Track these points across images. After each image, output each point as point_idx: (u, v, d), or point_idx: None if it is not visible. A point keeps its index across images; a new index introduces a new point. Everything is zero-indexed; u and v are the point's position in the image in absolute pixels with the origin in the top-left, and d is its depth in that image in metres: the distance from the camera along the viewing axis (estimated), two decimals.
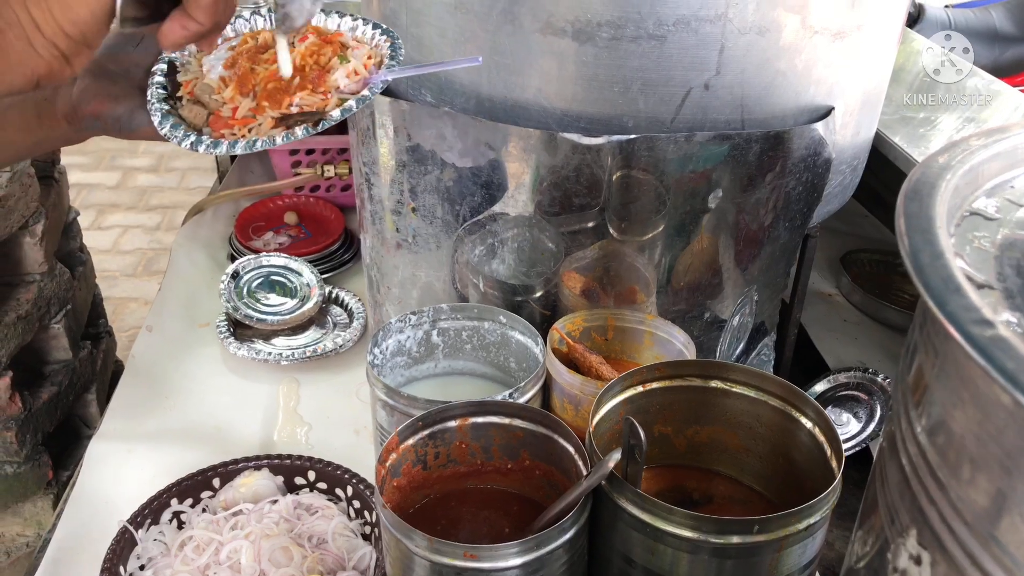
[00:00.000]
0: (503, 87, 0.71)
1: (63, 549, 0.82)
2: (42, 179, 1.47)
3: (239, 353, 1.05)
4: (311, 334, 1.12)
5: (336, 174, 1.34)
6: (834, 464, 0.59)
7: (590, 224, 0.74)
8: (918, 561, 0.39)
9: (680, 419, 0.67)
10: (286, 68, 0.59)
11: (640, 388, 0.66)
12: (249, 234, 1.30)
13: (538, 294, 0.80)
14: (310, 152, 1.37)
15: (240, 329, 1.10)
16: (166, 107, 0.64)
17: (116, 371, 1.73)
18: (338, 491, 0.82)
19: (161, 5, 0.47)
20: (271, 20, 0.69)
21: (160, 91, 0.65)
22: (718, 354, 0.85)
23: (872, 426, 0.90)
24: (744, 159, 0.71)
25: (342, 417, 0.98)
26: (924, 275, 0.35)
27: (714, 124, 0.70)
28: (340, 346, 1.07)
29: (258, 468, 0.83)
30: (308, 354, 1.06)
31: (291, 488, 0.83)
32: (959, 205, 0.42)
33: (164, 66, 0.66)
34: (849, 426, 0.91)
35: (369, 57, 0.63)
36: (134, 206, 3.02)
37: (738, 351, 0.88)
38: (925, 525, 0.38)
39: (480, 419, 0.64)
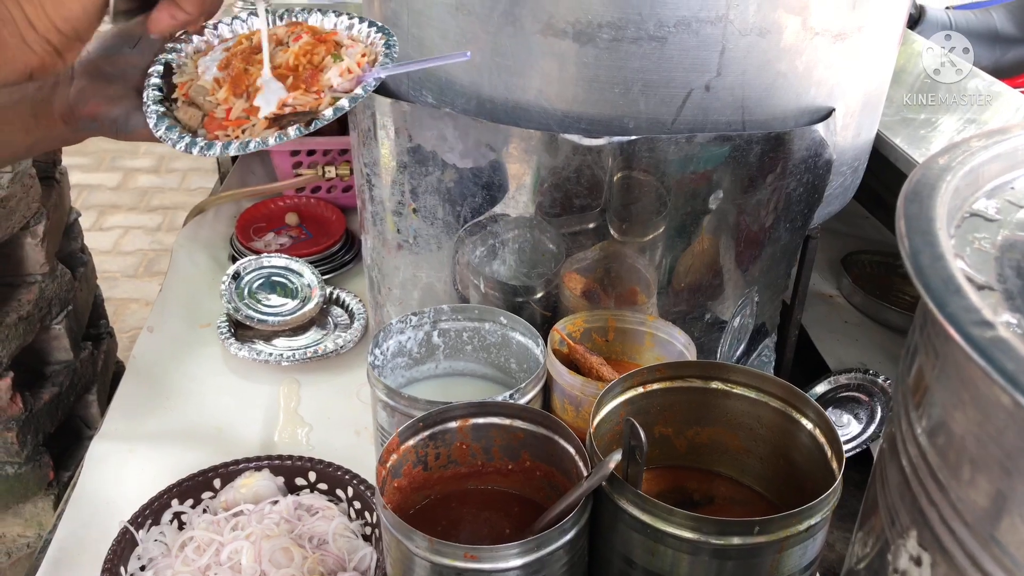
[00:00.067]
0: (504, 88, 0.71)
1: (64, 550, 0.82)
2: (43, 180, 1.47)
3: (240, 354, 1.05)
4: (312, 335, 1.12)
5: (337, 175, 1.34)
6: (835, 465, 0.59)
7: (591, 225, 0.74)
8: (918, 562, 0.39)
9: (681, 420, 0.67)
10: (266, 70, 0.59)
11: (641, 389, 0.66)
12: (250, 235, 1.30)
13: (539, 295, 0.80)
14: (311, 153, 1.37)
15: (241, 330, 1.10)
16: (162, 109, 0.64)
17: (117, 372, 1.73)
18: (339, 492, 0.82)
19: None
20: (268, 20, 0.69)
21: (156, 93, 0.65)
22: (719, 355, 0.85)
23: (873, 427, 0.90)
24: (745, 160, 0.71)
25: (343, 418, 0.98)
26: (924, 276, 0.35)
27: (715, 125, 0.70)
28: (341, 347, 1.07)
29: (259, 469, 0.83)
30: (309, 355, 1.06)
31: (292, 489, 0.84)
32: (959, 206, 0.42)
33: (160, 67, 0.66)
34: (850, 427, 0.91)
35: (363, 55, 0.63)
36: (135, 207, 3.02)
37: (739, 352, 0.88)
38: (925, 526, 0.38)
39: (481, 420, 0.65)
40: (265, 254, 1.18)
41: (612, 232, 0.74)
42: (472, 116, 0.72)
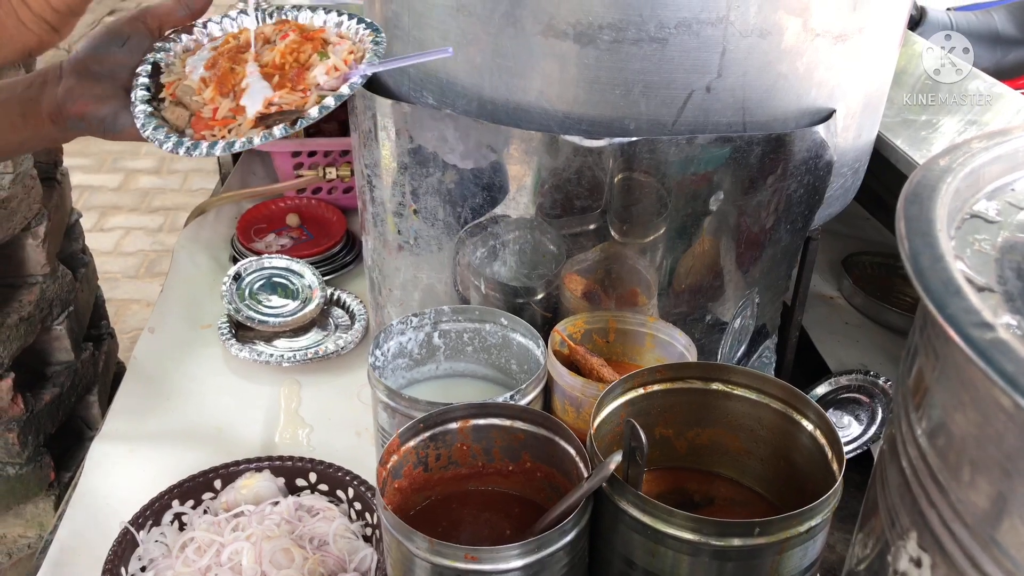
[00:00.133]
0: (505, 89, 0.71)
1: (64, 550, 0.82)
2: (45, 181, 1.48)
3: (241, 355, 1.05)
4: (313, 336, 1.12)
5: (338, 176, 1.35)
6: (835, 467, 0.59)
7: (591, 226, 0.74)
8: (918, 564, 0.39)
9: (681, 421, 0.67)
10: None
11: (641, 390, 0.66)
12: (251, 236, 1.30)
13: (539, 296, 0.80)
14: (312, 154, 1.37)
15: (242, 331, 1.10)
16: (149, 109, 0.64)
17: (118, 373, 1.74)
18: (339, 493, 0.82)
19: None
20: (257, 18, 0.69)
21: (144, 92, 0.65)
22: (719, 356, 0.85)
23: (873, 429, 0.90)
24: (745, 162, 0.71)
25: (343, 419, 0.98)
26: (924, 278, 0.35)
27: (715, 127, 0.70)
28: (342, 348, 1.07)
29: (259, 470, 0.83)
30: (310, 356, 1.06)
31: (292, 490, 0.84)
32: (960, 208, 0.42)
33: (149, 67, 0.66)
34: (850, 428, 0.91)
35: (351, 52, 0.63)
36: (136, 208, 3.02)
37: (739, 353, 0.88)
38: (925, 528, 0.38)
39: (481, 421, 0.65)
40: (266, 255, 1.18)
41: (613, 233, 0.74)
42: (473, 117, 0.72)
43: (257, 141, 0.58)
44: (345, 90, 0.60)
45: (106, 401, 1.60)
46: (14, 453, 1.39)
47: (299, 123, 0.59)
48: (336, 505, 0.81)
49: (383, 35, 0.63)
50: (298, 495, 0.82)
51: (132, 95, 0.64)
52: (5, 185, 1.33)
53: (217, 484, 0.82)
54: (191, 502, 0.81)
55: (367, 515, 0.80)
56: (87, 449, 0.94)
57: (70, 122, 0.66)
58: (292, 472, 0.84)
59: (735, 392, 0.65)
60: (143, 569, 0.76)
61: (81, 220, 1.68)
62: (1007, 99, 0.99)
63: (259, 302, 1.12)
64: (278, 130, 0.59)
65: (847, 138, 0.79)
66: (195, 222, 1.37)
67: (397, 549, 0.56)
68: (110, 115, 0.65)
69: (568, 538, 0.55)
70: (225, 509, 0.80)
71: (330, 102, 0.59)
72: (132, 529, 0.77)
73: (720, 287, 0.80)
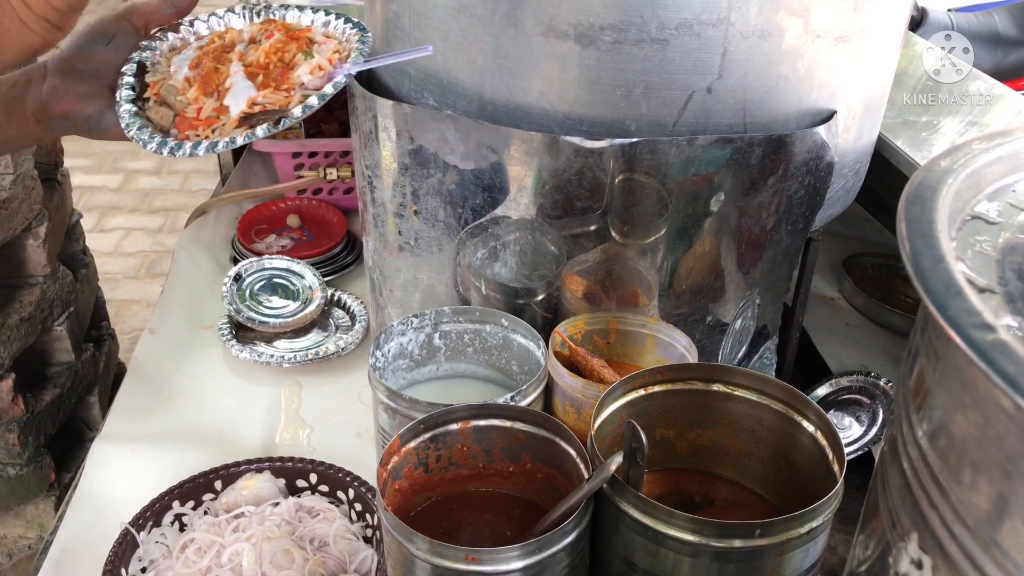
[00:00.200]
0: (506, 90, 0.71)
1: (65, 551, 0.82)
2: (45, 182, 1.48)
3: (241, 355, 1.05)
4: (313, 337, 1.12)
5: (339, 177, 1.35)
6: (836, 468, 0.59)
7: (592, 227, 0.74)
8: (919, 565, 0.39)
9: (682, 422, 0.67)
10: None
11: (642, 391, 0.65)
12: (252, 236, 1.30)
13: (540, 297, 0.80)
14: (313, 155, 1.37)
15: (242, 331, 1.10)
16: (134, 108, 0.64)
17: (118, 373, 1.74)
18: (340, 494, 0.82)
19: None
20: (244, 17, 0.69)
21: (129, 92, 0.65)
22: (720, 358, 0.85)
23: (874, 430, 0.90)
24: (746, 163, 0.71)
25: (344, 420, 0.98)
26: (925, 279, 0.35)
27: (716, 128, 0.70)
28: (342, 349, 1.07)
29: (260, 471, 0.83)
30: (310, 357, 1.06)
31: (293, 491, 0.84)
32: (961, 209, 0.42)
33: (134, 66, 0.66)
34: (851, 430, 0.91)
35: (336, 52, 0.63)
36: (136, 208, 3.03)
37: (740, 355, 0.88)
38: (926, 529, 0.38)
39: (482, 422, 0.65)
40: (267, 256, 1.18)
41: (613, 234, 0.74)
42: (474, 118, 0.72)
43: (240, 141, 0.58)
44: (329, 89, 0.59)
45: (107, 402, 1.60)
46: (14, 454, 1.39)
47: (282, 123, 0.59)
48: (336, 506, 0.81)
49: (369, 35, 0.63)
50: (299, 496, 0.82)
51: (117, 94, 0.64)
52: (6, 186, 1.33)
53: (218, 485, 0.82)
54: (191, 503, 0.81)
55: (368, 516, 0.80)
56: (87, 450, 0.94)
57: (55, 121, 0.66)
58: (293, 473, 0.84)
59: (736, 393, 0.65)
60: (143, 570, 0.76)
61: (81, 221, 1.68)
62: (1008, 100, 0.99)
63: (260, 303, 1.12)
64: (261, 130, 0.58)
65: (848, 139, 0.79)
66: (196, 223, 1.37)
67: (397, 550, 0.56)
68: (95, 114, 0.65)
69: (569, 539, 0.55)
70: (225, 510, 0.80)
71: (313, 101, 0.59)
72: (132, 530, 0.77)
73: (721, 288, 0.80)
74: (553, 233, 0.75)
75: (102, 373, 1.65)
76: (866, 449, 0.89)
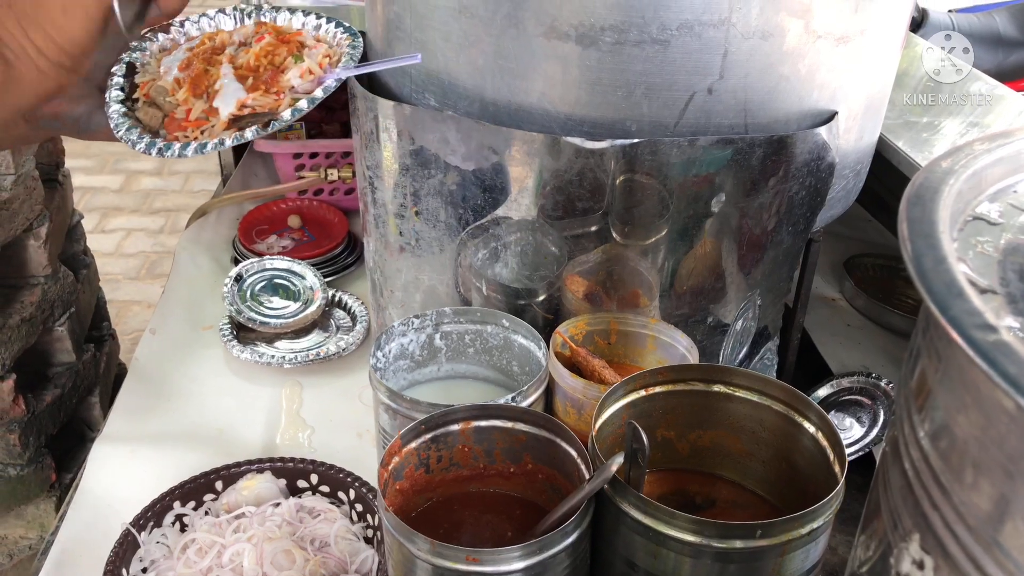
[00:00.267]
0: (507, 91, 0.71)
1: (66, 551, 0.82)
2: (46, 182, 1.48)
3: (242, 356, 1.05)
4: (314, 337, 1.12)
5: (340, 177, 1.35)
6: (837, 469, 0.59)
7: (593, 228, 0.74)
8: (921, 566, 0.39)
9: (683, 423, 0.67)
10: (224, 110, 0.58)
11: (643, 392, 0.65)
12: (252, 237, 1.30)
13: (541, 298, 0.80)
14: (314, 156, 1.37)
15: (243, 332, 1.10)
16: (123, 109, 0.64)
17: (119, 374, 1.74)
18: (340, 494, 0.82)
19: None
20: (235, 18, 0.69)
21: (118, 92, 0.64)
22: (721, 358, 0.85)
23: (875, 431, 0.90)
24: (747, 163, 0.71)
25: (345, 420, 0.98)
26: (927, 280, 0.35)
27: (717, 128, 0.70)
28: (343, 349, 1.07)
29: (261, 471, 0.83)
30: (311, 357, 1.06)
31: (293, 491, 0.84)
32: (962, 210, 0.42)
33: (124, 67, 0.66)
34: (852, 431, 0.91)
35: (326, 56, 0.63)
36: (137, 209, 3.03)
37: (741, 355, 0.88)
38: (928, 530, 0.38)
39: (483, 423, 0.65)
40: (267, 256, 1.18)
41: (614, 235, 0.74)
42: (475, 119, 0.72)
43: (229, 143, 0.58)
44: (319, 93, 0.59)
45: (107, 402, 1.60)
46: (15, 454, 1.39)
47: (272, 125, 0.59)
48: (337, 507, 0.81)
49: (360, 39, 0.63)
50: (299, 496, 0.82)
51: (107, 95, 0.64)
52: (7, 186, 1.33)
53: (218, 485, 0.82)
54: (192, 503, 0.81)
55: (368, 517, 0.80)
56: (88, 450, 0.94)
57: (43, 121, 0.65)
58: (293, 473, 0.84)
59: (737, 394, 0.65)
60: (144, 570, 0.76)
61: (82, 221, 1.68)
62: (1009, 101, 0.99)
63: (260, 303, 1.12)
64: (250, 132, 0.58)
65: (849, 140, 0.79)
66: (196, 223, 1.37)
67: (398, 551, 0.56)
68: (84, 115, 0.64)
69: (570, 540, 0.55)
70: (226, 510, 0.80)
71: (303, 105, 0.59)
72: (133, 530, 0.77)
73: (722, 289, 0.80)
74: (554, 234, 0.75)
75: (103, 373, 1.65)
76: (867, 450, 0.89)
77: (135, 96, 0.66)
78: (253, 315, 1.09)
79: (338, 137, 1.40)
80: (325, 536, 0.77)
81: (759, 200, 0.74)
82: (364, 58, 0.72)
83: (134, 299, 2.54)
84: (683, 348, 0.75)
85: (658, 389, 0.66)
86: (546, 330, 0.77)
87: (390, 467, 0.61)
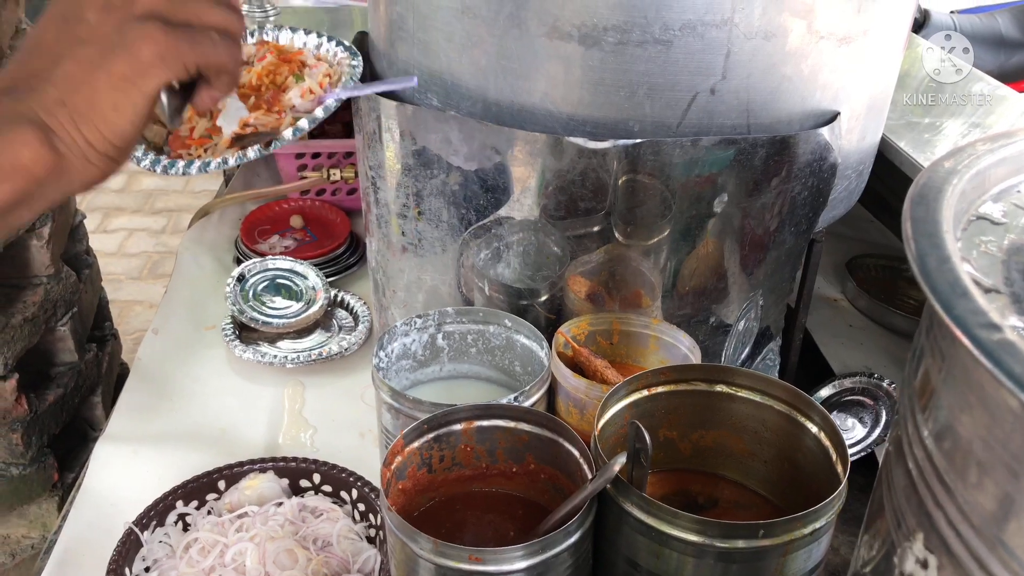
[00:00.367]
0: (509, 91, 0.71)
1: (68, 551, 0.82)
2: None
3: (244, 356, 1.05)
4: (316, 337, 1.12)
5: (342, 178, 1.35)
6: (839, 469, 0.59)
7: (595, 228, 0.74)
8: (925, 565, 0.39)
9: (685, 423, 0.67)
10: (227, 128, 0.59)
11: (645, 392, 0.66)
12: (255, 237, 1.30)
13: (543, 298, 0.80)
14: (316, 156, 1.37)
15: (246, 332, 1.10)
16: None
17: (121, 374, 1.74)
18: (343, 494, 0.82)
19: (188, 85, 0.50)
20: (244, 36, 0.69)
21: None
22: (723, 359, 0.85)
23: (877, 431, 0.90)
24: (750, 164, 0.71)
25: (347, 420, 0.98)
26: (931, 279, 0.35)
27: (720, 129, 0.70)
28: (345, 349, 1.07)
29: (263, 471, 0.83)
30: (313, 357, 1.06)
31: (296, 491, 0.84)
32: (966, 209, 0.42)
33: None
34: (854, 431, 0.90)
35: (327, 76, 0.63)
36: (140, 209, 3.03)
37: (743, 356, 0.88)
38: (932, 529, 0.38)
39: (485, 422, 0.65)
40: (270, 256, 1.18)
41: (617, 235, 0.74)
42: (477, 119, 0.72)
43: (232, 162, 0.59)
44: (319, 113, 0.60)
45: (110, 402, 1.60)
46: (18, 453, 1.39)
47: (273, 145, 0.59)
48: (340, 506, 0.81)
49: (359, 59, 0.63)
50: (302, 496, 0.82)
51: None
52: None
53: (221, 485, 0.83)
54: (195, 503, 0.81)
55: (371, 516, 0.80)
56: (91, 450, 0.94)
57: None
58: (296, 473, 0.84)
59: (739, 394, 0.65)
60: (147, 570, 0.76)
61: (85, 221, 1.68)
62: (1011, 102, 0.99)
63: (263, 303, 1.12)
64: (252, 151, 0.59)
65: (851, 140, 0.79)
66: (199, 224, 1.37)
67: (401, 550, 0.56)
68: None
69: (572, 540, 0.55)
70: (229, 510, 0.80)
71: (304, 124, 0.59)
72: (136, 529, 0.77)
73: (724, 289, 0.80)
74: (556, 234, 0.75)
75: (105, 373, 1.65)
76: (869, 450, 0.89)
77: None
78: (255, 315, 1.09)
79: (340, 137, 1.40)
80: (327, 536, 0.77)
81: (761, 200, 0.74)
82: (366, 76, 0.72)
83: (136, 299, 2.54)
84: (685, 348, 0.76)
85: (660, 389, 0.66)
86: (548, 330, 0.77)
87: (393, 467, 0.61)
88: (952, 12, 1.43)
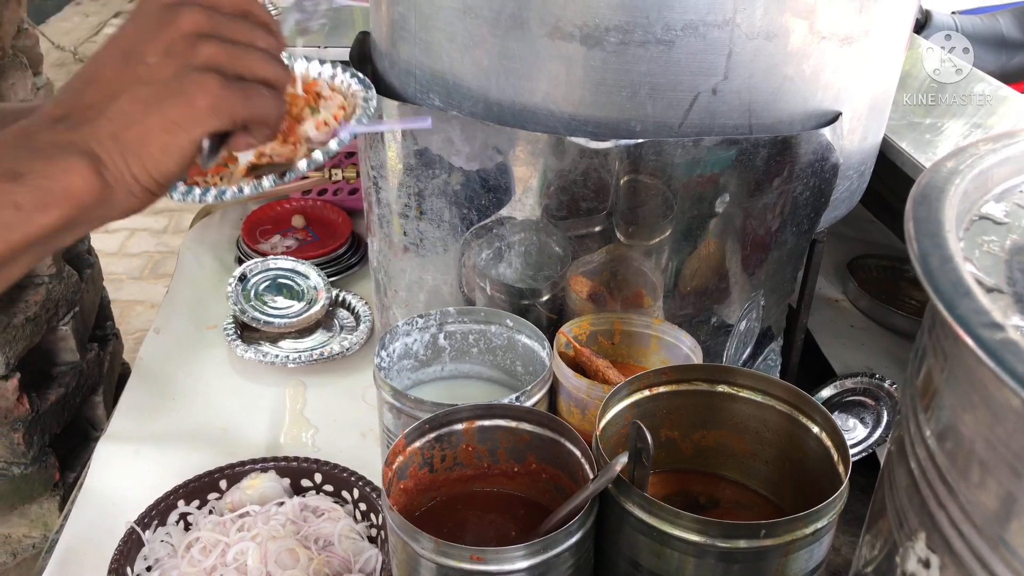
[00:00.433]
0: (511, 91, 0.71)
1: (70, 550, 0.82)
2: None
3: (246, 355, 1.05)
4: (318, 337, 1.12)
5: (344, 178, 1.35)
6: (841, 469, 0.59)
7: (597, 228, 0.74)
8: (927, 564, 0.39)
9: (687, 423, 0.67)
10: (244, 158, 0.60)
11: (647, 392, 0.66)
12: (256, 237, 1.30)
13: (545, 298, 0.80)
14: None
15: (247, 332, 1.10)
16: None
17: (123, 373, 1.74)
18: (344, 493, 0.82)
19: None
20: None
21: None
22: (724, 359, 0.85)
23: (879, 432, 0.90)
24: (751, 164, 0.71)
25: (348, 420, 0.99)
26: (933, 279, 0.35)
27: (722, 129, 0.70)
28: (347, 349, 1.07)
29: (265, 470, 0.83)
30: (315, 357, 1.06)
31: (297, 490, 0.84)
32: (968, 209, 0.42)
33: None
34: (856, 431, 0.90)
35: (341, 108, 0.64)
36: None
37: (745, 356, 0.88)
38: (934, 528, 0.38)
39: (487, 422, 0.65)
40: (271, 256, 1.18)
41: (618, 235, 0.74)
42: (479, 119, 0.72)
43: (247, 191, 0.60)
44: (333, 146, 0.61)
45: (111, 402, 1.60)
46: (19, 453, 1.40)
47: (287, 176, 0.60)
48: (341, 506, 0.81)
49: (372, 91, 0.64)
50: (303, 496, 0.82)
51: None
52: None
53: (222, 484, 0.83)
54: (196, 502, 0.81)
55: (372, 516, 0.80)
56: (92, 449, 0.94)
57: None
58: (297, 473, 0.84)
59: (741, 394, 0.65)
60: (148, 569, 0.76)
61: None
62: (1012, 102, 0.99)
63: (264, 303, 1.12)
64: (267, 181, 0.60)
65: (853, 141, 0.79)
66: (200, 223, 1.37)
67: (403, 550, 0.56)
68: None
69: (574, 539, 0.55)
70: (230, 509, 0.80)
71: (318, 157, 0.60)
72: (138, 529, 0.77)
73: (726, 289, 0.80)
74: (558, 234, 0.75)
75: (106, 373, 1.65)
76: (871, 451, 0.89)
77: None
78: (257, 315, 1.09)
79: None
80: (329, 535, 0.77)
81: (763, 201, 0.74)
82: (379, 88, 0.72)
83: (137, 299, 2.54)
84: (687, 348, 0.76)
85: (662, 389, 0.66)
86: (550, 330, 0.77)
87: (394, 466, 0.61)
88: (954, 13, 1.43)
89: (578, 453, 0.62)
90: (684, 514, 0.54)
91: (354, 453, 0.89)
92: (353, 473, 0.82)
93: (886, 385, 0.91)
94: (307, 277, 1.16)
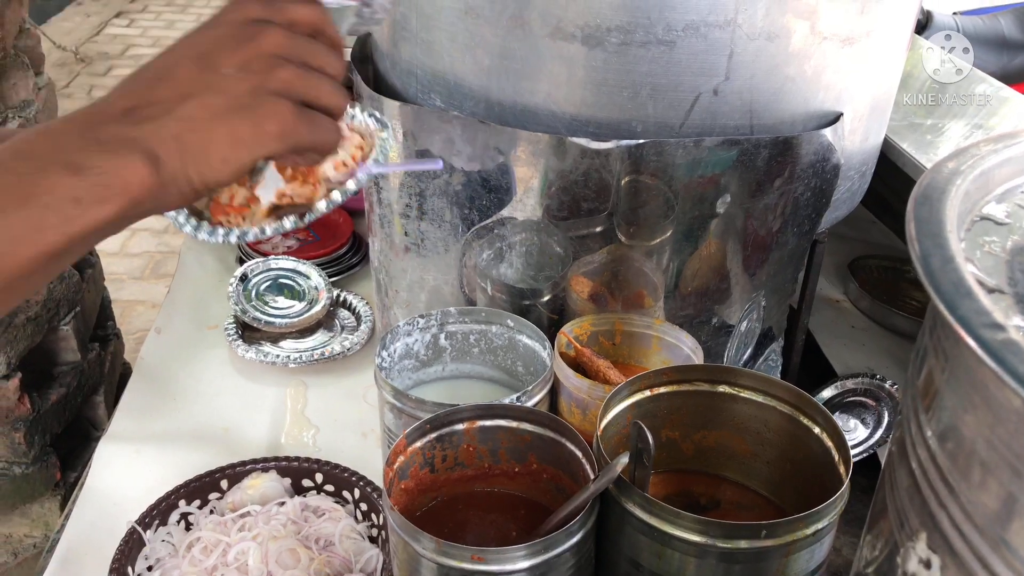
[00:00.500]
0: (512, 91, 0.71)
1: (71, 550, 0.82)
2: None
3: (247, 355, 1.05)
4: (319, 337, 1.12)
5: None
6: (842, 470, 0.59)
7: (598, 229, 0.74)
8: (928, 565, 0.39)
9: (688, 424, 0.67)
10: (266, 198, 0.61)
11: (648, 392, 0.66)
12: None
13: (546, 298, 0.80)
14: None
15: (248, 332, 1.10)
16: None
17: (124, 373, 1.74)
18: (345, 493, 0.82)
19: None
20: None
21: None
22: (725, 359, 0.85)
23: (880, 432, 0.90)
24: (753, 164, 0.71)
25: (349, 420, 0.99)
26: (935, 279, 0.35)
27: (723, 129, 0.70)
28: (348, 349, 1.08)
29: (266, 470, 0.84)
30: (316, 357, 1.06)
31: (298, 490, 0.84)
32: (969, 210, 0.42)
33: None
34: (857, 432, 0.90)
35: (359, 148, 0.64)
36: None
37: (745, 357, 0.88)
38: (935, 529, 0.38)
39: (488, 422, 0.65)
40: (272, 256, 1.18)
41: (619, 236, 0.74)
42: (480, 119, 0.72)
43: (269, 231, 0.61)
44: (351, 186, 0.62)
45: (112, 402, 1.60)
46: (20, 453, 1.40)
47: (307, 217, 0.61)
48: (342, 506, 0.82)
49: (388, 131, 0.65)
50: (304, 496, 0.83)
51: None
52: None
53: (223, 484, 0.83)
54: (197, 502, 0.81)
55: (373, 516, 0.80)
56: (93, 449, 0.94)
57: None
58: (298, 473, 0.84)
59: (742, 395, 0.65)
60: (150, 568, 0.76)
61: None
62: (1013, 103, 0.99)
63: (265, 303, 1.12)
64: (288, 222, 0.61)
65: (854, 141, 0.79)
66: None
67: (404, 550, 0.56)
68: None
69: (574, 539, 0.55)
70: (231, 509, 0.80)
71: (337, 197, 0.62)
72: (139, 529, 0.77)
73: (727, 290, 0.80)
74: (559, 234, 0.75)
75: (108, 373, 1.65)
76: (871, 451, 0.89)
77: None
78: (258, 315, 1.09)
79: None
80: (330, 535, 0.77)
81: (764, 201, 0.74)
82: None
83: (138, 299, 2.54)
84: (688, 349, 0.76)
85: (663, 390, 0.66)
86: (551, 330, 0.77)
87: (395, 466, 0.62)
88: (955, 13, 1.43)
89: (579, 453, 0.62)
90: (685, 514, 0.54)
91: (355, 453, 0.89)
92: (354, 473, 0.82)
93: (887, 386, 0.91)
94: (308, 277, 1.16)
